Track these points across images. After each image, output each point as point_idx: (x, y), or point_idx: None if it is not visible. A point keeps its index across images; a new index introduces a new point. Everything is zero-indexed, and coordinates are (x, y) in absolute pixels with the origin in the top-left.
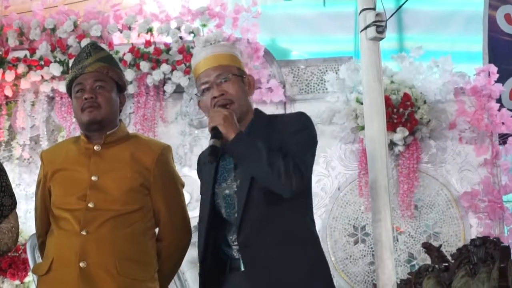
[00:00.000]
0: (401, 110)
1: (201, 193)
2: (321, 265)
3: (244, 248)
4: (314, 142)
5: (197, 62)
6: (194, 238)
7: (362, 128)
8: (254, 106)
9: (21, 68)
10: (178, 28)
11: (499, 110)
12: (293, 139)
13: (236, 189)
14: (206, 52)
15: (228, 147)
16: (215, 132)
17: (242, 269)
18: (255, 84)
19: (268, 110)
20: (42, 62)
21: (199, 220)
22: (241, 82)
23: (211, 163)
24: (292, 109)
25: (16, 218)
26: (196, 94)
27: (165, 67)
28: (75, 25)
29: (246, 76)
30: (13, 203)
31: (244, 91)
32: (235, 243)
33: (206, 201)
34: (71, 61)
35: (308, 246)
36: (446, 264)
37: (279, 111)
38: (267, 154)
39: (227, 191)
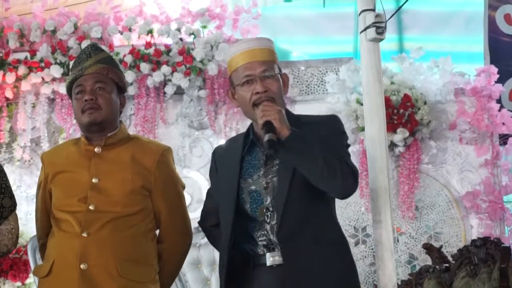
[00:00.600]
0: (401, 111)
1: (213, 187)
2: (352, 267)
3: (284, 245)
4: (349, 145)
5: (238, 52)
6: (195, 239)
7: (362, 129)
8: None
9: (22, 70)
10: (179, 30)
11: (499, 110)
12: (336, 141)
13: (265, 185)
14: (251, 44)
15: (284, 143)
16: (268, 127)
17: (268, 264)
18: (288, 83)
19: None
20: (43, 64)
21: (220, 214)
22: (280, 81)
23: (270, 155)
24: (292, 110)
25: (16, 219)
26: (232, 86)
27: (165, 69)
28: (76, 27)
29: (282, 74)
30: (13, 205)
31: (281, 90)
32: (261, 239)
33: (229, 195)
34: (71, 63)
35: (341, 247)
36: (447, 264)
37: None
38: (323, 153)
39: (253, 187)
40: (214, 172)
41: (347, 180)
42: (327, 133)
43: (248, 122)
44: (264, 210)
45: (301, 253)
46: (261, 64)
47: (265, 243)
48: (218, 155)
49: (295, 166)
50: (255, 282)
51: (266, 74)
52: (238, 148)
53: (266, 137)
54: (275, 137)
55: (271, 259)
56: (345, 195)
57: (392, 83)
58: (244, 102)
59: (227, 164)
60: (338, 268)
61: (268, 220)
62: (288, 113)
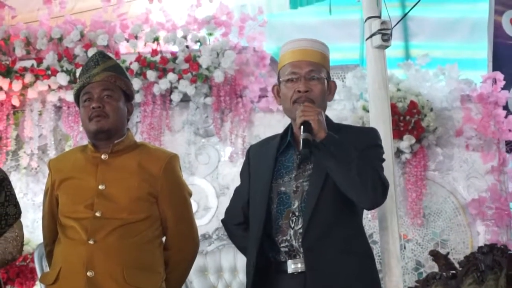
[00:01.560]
0: (407, 117)
1: (243, 191)
2: (378, 283)
3: (309, 252)
4: (384, 160)
5: (290, 49)
6: (202, 246)
7: None
8: (262, 114)
9: (28, 78)
10: (185, 37)
11: (505, 117)
12: (372, 153)
13: (295, 189)
14: (303, 44)
15: (321, 145)
16: (305, 127)
17: (289, 271)
18: (335, 91)
19: (275, 118)
20: (49, 72)
21: (251, 215)
22: (325, 86)
23: (306, 157)
24: None
25: (20, 227)
26: (278, 81)
27: (171, 76)
28: (82, 35)
29: (330, 80)
30: (18, 212)
31: (325, 95)
32: (283, 245)
33: (261, 194)
34: (78, 71)
35: (368, 261)
36: (454, 271)
37: (286, 119)
38: (357, 161)
39: (282, 188)
40: (247, 169)
41: (377, 192)
42: (365, 144)
43: (254, 129)
44: (290, 214)
45: (325, 262)
46: (309, 65)
47: (287, 249)
48: (252, 152)
49: (328, 171)
50: None
51: (312, 75)
52: (273, 148)
53: (303, 136)
54: (311, 137)
55: (293, 266)
56: (372, 206)
57: (398, 89)
58: (285, 99)
59: (261, 162)
60: (364, 281)
61: (293, 225)
62: (328, 119)
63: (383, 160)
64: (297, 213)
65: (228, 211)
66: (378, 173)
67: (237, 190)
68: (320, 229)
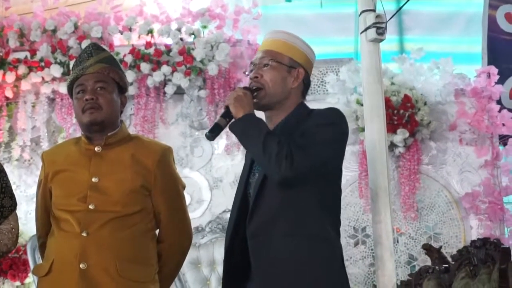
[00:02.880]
0: (401, 111)
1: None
2: (333, 267)
3: (252, 239)
4: (339, 139)
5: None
6: (195, 239)
7: (363, 129)
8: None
9: (22, 70)
10: (179, 30)
11: (499, 111)
12: (312, 131)
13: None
14: (268, 36)
15: (230, 125)
16: (225, 111)
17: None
18: (301, 78)
19: None
20: (43, 64)
21: (232, 208)
22: (284, 72)
23: (209, 140)
24: None
25: (16, 219)
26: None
27: (165, 69)
28: (76, 27)
29: (296, 68)
30: (13, 204)
31: (285, 81)
32: None
33: (239, 190)
34: (71, 63)
35: (322, 243)
36: (447, 265)
37: None
38: (264, 136)
39: None
40: None
41: (279, 165)
42: (314, 124)
43: None
44: None
45: (268, 247)
46: (262, 52)
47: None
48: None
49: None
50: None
51: (264, 62)
52: None
53: (216, 120)
54: (223, 121)
55: None
56: (280, 181)
57: (393, 83)
58: None
59: (246, 159)
60: (312, 265)
61: None
62: (302, 107)
63: (334, 136)
64: None
65: None
66: (287, 147)
67: None
68: (264, 214)
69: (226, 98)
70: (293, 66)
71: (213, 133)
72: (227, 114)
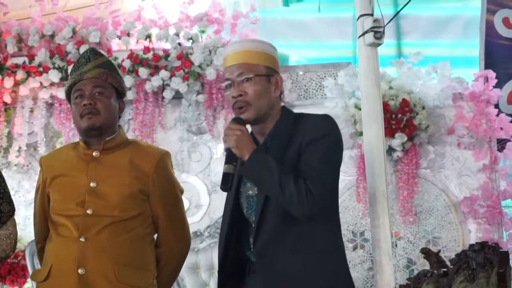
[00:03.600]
0: (399, 115)
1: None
2: (341, 279)
3: (259, 257)
4: (335, 150)
5: (226, 54)
6: (194, 244)
7: (361, 133)
8: None
9: (20, 75)
10: (177, 34)
11: (497, 115)
12: (309, 152)
13: (257, 192)
14: (236, 47)
15: (240, 171)
16: (229, 155)
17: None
18: (282, 85)
19: None
20: (41, 69)
21: (223, 218)
22: (265, 82)
23: (226, 192)
24: None
25: (14, 224)
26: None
27: (163, 73)
28: (74, 32)
29: (274, 75)
30: (12, 210)
31: (267, 91)
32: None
33: (230, 199)
34: (70, 68)
35: (329, 257)
36: (445, 269)
37: None
38: (278, 177)
39: (250, 192)
40: None
41: (303, 204)
42: (307, 141)
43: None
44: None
45: (276, 265)
46: (239, 67)
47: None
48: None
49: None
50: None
51: (243, 78)
52: None
53: (223, 169)
54: (232, 169)
55: None
56: (306, 218)
57: (391, 88)
58: (231, 106)
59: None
60: (325, 279)
61: None
62: (284, 112)
63: (329, 150)
64: None
65: None
66: (303, 184)
67: None
68: (268, 233)
69: (224, 139)
70: (271, 74)
71: (226, 185)
72: (232, 158)
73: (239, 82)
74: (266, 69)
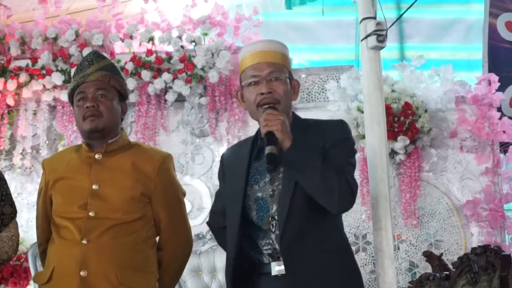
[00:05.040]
0: (402, 118)
1: (222, 193)
2: (358, 276)
3: (287, 254)
4: (355, 152)
5: (248, 53)
6: (196, 246)
7: (363, 136)
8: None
9: (23, 77)
10: (180, 37)
11: (500, 118)
12: (340, 150)
13: (271, 193)
14: (261, 46)
15: (284, 156)
16: (269, 137)
17: (273, 273)
18: (299, 90)
19: None
20: (44, 71)
21: (228, 223)
22: (288, 85)
23: (270, 172)
24: None
25: (16, 227)
26: (240, 85)
27: (166, 76)
28: (77, 34)
29: (292, 79)
30: (13, 212)
31: (289, 94)
32: (266, 248)
33: (236, 203)
34: (73, 70)
35: (346, 256)
36: (447, 272)
37: None
38: (322, 169)
39: (259, 194)
40: (222, 176)
41: (344, 197)
42: (332, 141)
43: (250, 129)
44: (270, 219)
45: (304, 262)
46: (269, 66)
47: (270, 252)
48: (225, 159)
49: (295, 179)
50: None
51: (274, 76)
52: (245, 154)
53: (267, 150)
54: (276, 150)
55: (276, 268)
56: (340, 211)
57: (393, 91)
58: (249, 103)
59: (234, 168)
60: (343, 277)
61: (274, 229)
62: (295, 117)
63: (353, 152)
64: (276, 217)
65: (211, 214)
66: (344, 178)
67: (217, 193)
68: (296, 230)
69: (264, 124)
70: (291, 78)
71: (272, 164)
72: (274, 141)
73: (268, 80)
74: (289, 73)
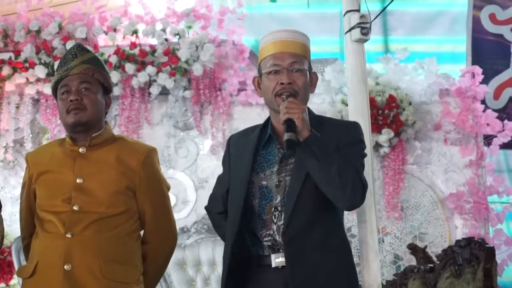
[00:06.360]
0: (386, 111)
1: (224, 179)
2: (355, 276)
3: (288, 247)
4: (366, 155)
5: (270, 40)
6: (180, 240)
7: None
8: (241, 107)
9: (6, 70)
10: (164, 30)
11: (484, 111)
12: (354, 150)
13: (277, 183)
14: (284, 35)
15: (302, 144)
16: (289, 125)
17: (273, 265)
18: (316, 83)
19: (254, 111)
20: (27, 64)
21: (229, 206)
22: (308, 78)
23: (289, 156)
24: None
25: (0, 221)
26: (259, 73)
27: (150, 69)
28: (60, 27)
29: (311, 72)
30: None
31: (308, 87)
32: (266, 239)
33: (240, 188)
34: (56, 63)
35: (346, 254)
36: (432, 265)
37: (265, 113)
38: (338, 161)
39: (264, 182)
40: (227, 160)
41: (356, 194)
42: (347, 140)
43: (234, 122)
44: (273, 209)
45: (305, 257)
46: (291, 56)
47: (270, 243)
48: (232, 143)
49: (308, 169)
50: (259, 282)
51: (295, 67)
52: (253, 141)
53: (286, 136)
54: (295, 137)
55: (277, 260)
56: (349, 207)
57: (377, 83)
58: (267, 91)
59: (240, 154)
60: (343, 275)
61: (275, 220)
62: (309, 112)
63: (365, 155)
64: (279, 208)
65: (210, 199)
66: (358, 174)
67: (218, 178)
68: (300, 224)
69: (285, 111)
70: (310, 70)
71: (291, 148)
72: (293, 128)
73: (290, 71)
74: (309, 65)
